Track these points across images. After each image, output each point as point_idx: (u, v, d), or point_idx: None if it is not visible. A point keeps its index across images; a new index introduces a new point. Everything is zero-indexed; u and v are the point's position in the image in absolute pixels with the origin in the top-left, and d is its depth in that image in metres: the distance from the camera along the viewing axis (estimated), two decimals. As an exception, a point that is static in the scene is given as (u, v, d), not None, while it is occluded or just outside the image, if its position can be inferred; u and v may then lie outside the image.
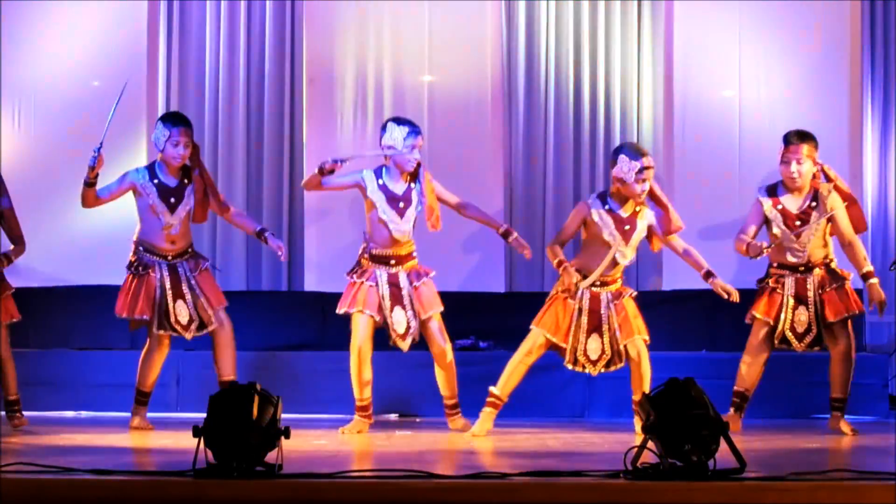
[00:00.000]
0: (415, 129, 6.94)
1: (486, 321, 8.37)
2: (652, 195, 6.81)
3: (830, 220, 6.83)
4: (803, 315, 6.85)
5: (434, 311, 6.96)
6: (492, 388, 6.83)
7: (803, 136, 6.86)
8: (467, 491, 4.42)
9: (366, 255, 6.98)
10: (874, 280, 6.86)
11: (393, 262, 6.96)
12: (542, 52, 8.84)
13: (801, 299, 6.85)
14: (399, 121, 6.98)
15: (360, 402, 6.93)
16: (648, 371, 6.78)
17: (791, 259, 6.90)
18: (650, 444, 4.60)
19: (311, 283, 8.51)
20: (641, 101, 8.81)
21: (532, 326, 6.83)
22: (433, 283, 7.05)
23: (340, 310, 6.94)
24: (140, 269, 7.03)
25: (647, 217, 6.85)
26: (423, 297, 6.95)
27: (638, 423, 6.81)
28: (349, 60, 8.49)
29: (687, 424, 4.53)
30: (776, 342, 6.90)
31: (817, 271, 6.89)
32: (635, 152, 6.73)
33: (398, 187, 6.97)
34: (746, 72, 8.36)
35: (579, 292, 6.78)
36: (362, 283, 6.91)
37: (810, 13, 8.38)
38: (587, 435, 6.79)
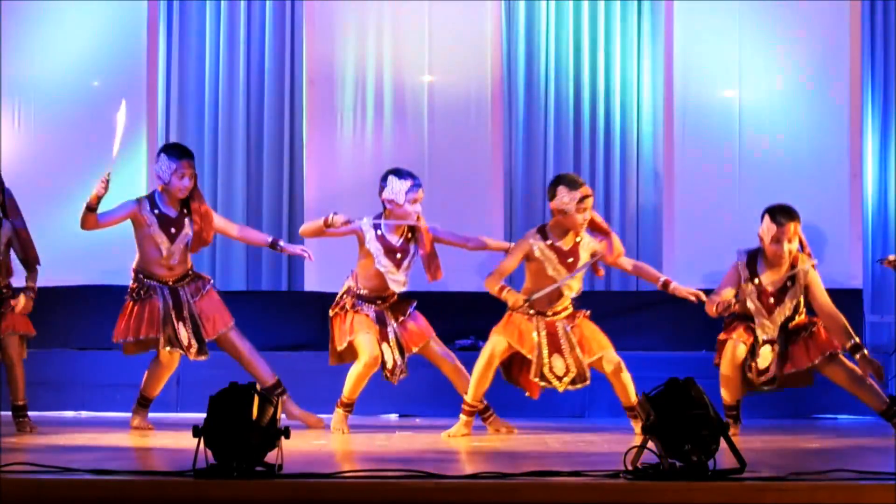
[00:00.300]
0: (416, 183, 6.87)
1: (486, 321, 8.35)
2: (593, 224, 6.75)
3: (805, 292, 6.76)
4: (769, 353, 6.77)
5: (424, 342, 6.94)
6: (465, 398, 6.80)
7: (792, 215, 6.73)
8: (467, 491, 4.41)
9: (350, 295, 6.94)
10: (864, 352, 6.72)
11: (379, 301, 6.94)
12: (542, 52, 8.85)
13: (769, 341, 6.79)
14: (400, 174, 6.87)
15: (346, 400, 6.93)
16: (629, 379, 6.74)
17: (760, 332, 6.82)
18: (650, 444, 4.59)
19: (311, 283, 8.51)
20: (641, 101, 8.81)
21: (492, 335, 6.78)
22: (418, 313, 7.00)
23: (341, 345, 6.87)
24: (142, 293, 7.02)
25: (588, 246, 6.80)
26: (410, 332, 6.94)
27: (636, 426, 6.81)
28: (349, 60, 8.50)
29: (687, 424, 4.52)
30: (747, 384, 6.81)
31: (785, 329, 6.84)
32: (574, 183, 6.67)
33: (396, 238, 6.92)
34: (746, 72, 8.36)
35: (533, 321, 6.72)
36: (348, 312, 6.87)
37: (810, 13, 8.38)
38: (587, 435, 6.79)
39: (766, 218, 6.73)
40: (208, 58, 8.85)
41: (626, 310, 8.51)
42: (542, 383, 6.73)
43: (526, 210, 8.80)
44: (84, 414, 7.99)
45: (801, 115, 8.16)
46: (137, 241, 7.09)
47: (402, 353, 6.88)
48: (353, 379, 6.86)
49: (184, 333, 7.00)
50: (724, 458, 4.56)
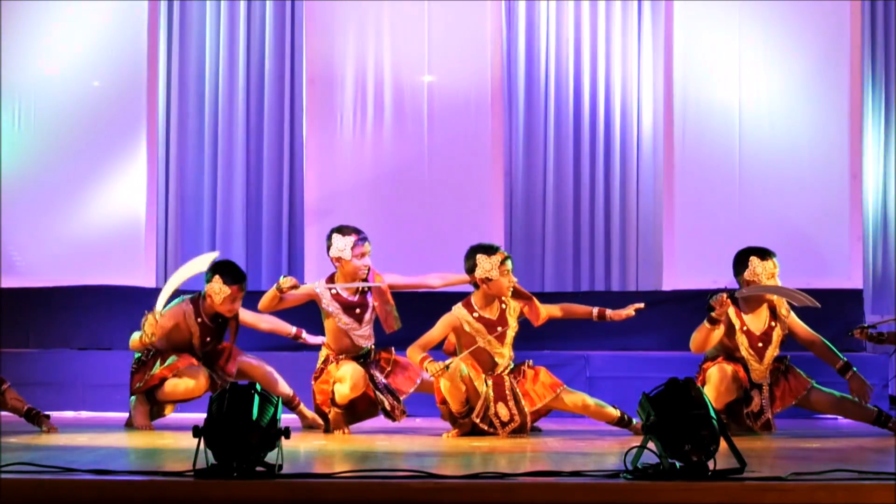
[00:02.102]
0: (361, 237, 6.82)
1: (486, 321, 8.36)
2: (515, 289, 6.71)
3: (783, 329, 6.81)
4: (756, 396, 6.84)
5: (416, 384, 6.92)
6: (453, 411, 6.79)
7: (772, 252, 6.85)
8: (467, 491, 4.41)
9: (329, 362, 6.90)
10: (853, 371, 6.75)
11: (361, 360, 6.92)
12: (542, 52, 8.85)
13: (753, 383, 6.83)
14: (343, 230, 6.83)
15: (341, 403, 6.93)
16: (600, 403, 6.71)
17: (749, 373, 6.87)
18: (650, 444, 4.59)
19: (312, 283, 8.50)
20: (641, 101, 8.82)
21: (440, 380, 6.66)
22: (399, 358, 6.95)
23: (321, 389, 6.86)
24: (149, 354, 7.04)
25: (514, 310, 6.74)
26: (398, 379, 6.92)
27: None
28: (349, 60, 8.50)
29: (687, 424, 4.52)
30: (743, 420, 6.83)
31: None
32: (489, 249, 6.62)
33: (351, 295, 6.90)
34: (746, 72, 8.36)
35: (480, 375, 6.68)
36: (335, 363, 6.87)
37: (810, 13, 8.38)
38: (587, 435, 6.79)
39: (755, 259, 6.75)
40: (208, 58, 8.85)
41: (626, 310, 8.51)
42: (485, 426, 6.63)
43: (526, 210, 8.80)
44: (84, 414, 7.98)
45: (801, 115, 8.16)
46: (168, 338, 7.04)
47: (395, 397, 6.88)
48: (344, 396, 6.82)
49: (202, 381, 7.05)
50: (724, 458, 4.56)
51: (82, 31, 8.45)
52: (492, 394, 6.64)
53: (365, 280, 6.86)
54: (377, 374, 6.90)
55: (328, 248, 6.85)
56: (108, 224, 8.16)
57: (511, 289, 6.67)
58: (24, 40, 8.39)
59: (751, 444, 6.09)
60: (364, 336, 6.91)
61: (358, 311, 6.89)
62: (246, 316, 7.21)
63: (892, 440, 6.40)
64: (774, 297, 6.77)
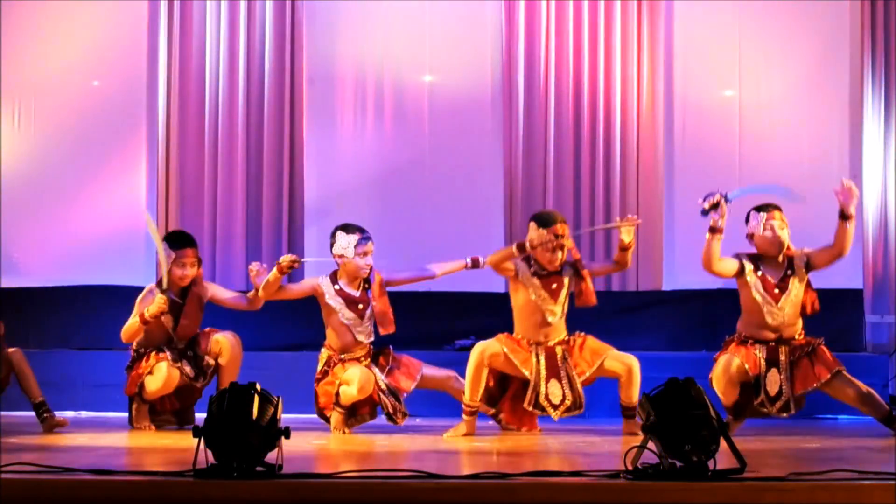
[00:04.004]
0: (365, 236, 6.92)
1: (486, 321, 8.36)
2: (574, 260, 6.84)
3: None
4: (774, 376, 6.80)
5: (416, 379, 6.95)
6: (464, 400, 6.81)
7: (775, 205, 6.85)
8: (467, 491, 4.41)
9: (331, 363, 6.93)
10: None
11: (361, 358, 6.96)
12: (542, 52, 8.85)
13: (772, 362, 6.81)
14: (348, 228, 6.93)
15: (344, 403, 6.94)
16: (638, 381, 6.73)
17: (762, 334, 6.83)
18: (650, 444, 4.59)
19: (311, 283, 8.50)
20: (641, 101, 8.81)
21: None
22: (401, 355, 7.00)
23: (324, 393, 6.90)
24: (141, 351, 7.07)
25: (567, 272, 6.85)
26: (398, 378, 6.95)
27: (626, 425, 6.80)
28: (349, 60, 8.50)
29: (687, 424, 4.52)
30: (758, 408, 6.82)
31: (788, 344, 6.84)
32: (547, 221, 6.78)
33: (354, 290, 6.97)
34: (746, 72, 8.36)
35: (533, 349, 6.75)
36: (331, 371, 6.89)
37: (810, 13, 8.39)
38: (587, 435, 6.79)
39: (752, 213, 6.83)
40: (208, 58, 8.85)
41: (626, 310, 8.52)
42: (535, 411, 6.72)
43: (526, 210, 8.80)
44: (84, 414, 7.99)
45: (801, 115, 8.15)
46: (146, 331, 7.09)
47: (397, 398, 6.90)
48: (350, 397, 6.85)
49: (187, 367, 7.05)
50: (724, 458, 4.56)
51: (82, 31, 8.46)
52: (543, 371, 6.69)
53: (367, 280, 6.89)
54: (377, 372, 6.92)
55: (331, 246, 6.90)
56: (108, 224, 8.16)
57: (556, 262, 6.76)
58: (24, 40, 8.39)
59: (751, 444, 6.09)
60: (365, 332, 6.96)
61: (360, 306, 6.94)
62: (217, 293, 7.23)
63: (892, 440, 6.40)
64: (792, 248, 6.81)
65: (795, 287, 6.82)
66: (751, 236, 6.84)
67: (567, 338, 6.83)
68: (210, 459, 4.54)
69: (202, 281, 7.21)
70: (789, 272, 6.83)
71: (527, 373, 6.71)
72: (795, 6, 8.39)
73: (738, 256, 6.87)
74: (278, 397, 4.69)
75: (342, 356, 6.94)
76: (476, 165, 8.40)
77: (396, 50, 8.52)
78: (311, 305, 8.50)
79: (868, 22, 8.68)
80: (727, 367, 6.74)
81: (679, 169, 8.38)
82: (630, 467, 4.56)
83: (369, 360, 6.97)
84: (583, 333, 6.84)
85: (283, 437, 4.60)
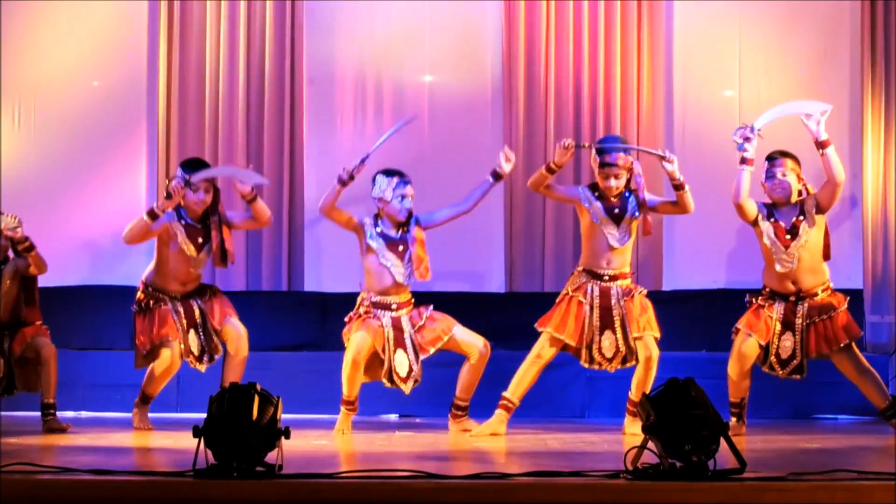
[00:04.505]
0: (403, 180, 7.00)
1: (486, 321, 8.36)
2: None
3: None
4: (788, 341, 6.82)
5: (444, 339, 6.98)
6: (504, 393, 6.86)
7: (785, 153, 6.92)
8: (467, 491, 4.42)
9: (365, 304, 7.00)
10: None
11: (395, 306, 6.99)
12: (542, 52, 8.84)
13: (788, 325, 6.83)
14: (388, 172, 7.03)
15: (346, 398, 6.96)
16: (652, 376, 6.77)
17: (784, 285, 6.85)
18: (650, 444, 4.60)
19: (311, 283, 8.51)
20: (641, 101, 8.81)
21: (538, 328, 6.86)
22: (437, 313, 7.05)
23: (346, 336, 6.96)
24: (150, 303, 7.06)
25: (631, 199, 6.98)
26: (426, 336, 6.98)
27: (628, 423, 6.82)
28: (349, 60, 8.50)
29: (687, 424, 4.52)
30: (761, 366, 6.86)
31: (809, 300, 6.85)
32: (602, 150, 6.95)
33: (395, 232, 7.04)
34: (746, 72, 8.36)
35: (588, 290, 6.81)
36: (365, 318, 6.94)
37: (810, 13, 8.38)
38: (587, 435, 6.79)
39: (764, 164, 6.91)
40: (208, 58, 8.84)
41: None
42: (593, 366, 6.86)
43: (526, 210, 8.80)
44: (84, 414, 7.99)
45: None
46: (159, 254, 7.13)
47: (417, 357, 6.92)
48: (344, 375, 6.89)
49: (194, 342, 7.06)
50: (724, 458, 4.56)
51: (82, 31, 8.45)
52: (597, 322, 6.74)
53: (407, 223, 7.01)
54: (406, 325, 6.93)
55: (372, 189, 7.00)
56: (108, 224, 8.16)
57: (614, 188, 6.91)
58: (24, 40, 8.39)
59: (751, 444, 6.10)
60: (402, 274, 6.99)
61: (400, 248, 7.01)
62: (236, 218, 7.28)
63: (892, 440, 6.40)
64: (804, 194, 6.88)
65: (807, 232, 6.84)
66: (763, 185, 6.92)
67: (630, 286, 6.87)
68: (210, 459, 4.54)
69: (222, 208, 7.22)
70: (801, 217, 6.86)
71: (576, 344, 6.82)
72: (795, 6, 8.38)
73: (757, 204, 6.93)
74: (278, 397, 4.69)
75: (375, 299, 6.95)
76: (476, 165, 8.38)
77: (396, 50, 8.52)
78: (311, 305, 8.51)
79: (868, 22, 8.67)
80: (743, 353, 6.77)
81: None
82: (630, 467, 4.56)
83: (406, 309, 6.98)
84: (643, 291, 6.92)
85: (283, 437, 4.61)
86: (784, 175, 6.87)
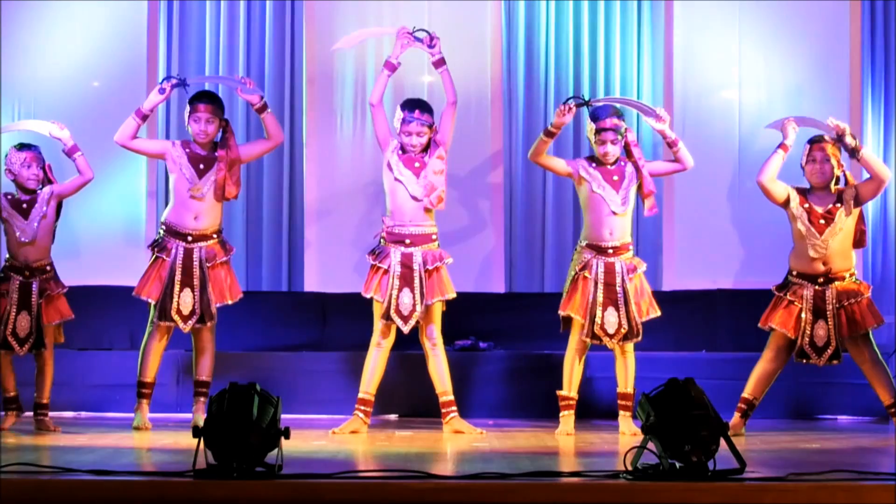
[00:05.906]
0: (411, 116, 7.05)
1: (486, 321, 8.37)
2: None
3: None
4: (822, 329, 6.84)
5: (438, 297, 6.97)
6: (558, 392, 6.91)
7: (824, 138, 6.99)
8: (467, 491, 4.42)
9: (383, 235, 7.03)
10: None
11: (408, 241, 6.98)
12: (542, 52, 8.85)
13: (818, 313, 6.82)
14: (404, 105, 7.15)
15: (362, 395, 6.96)
16: (632, 363, 6.85)
17: (812, 266, 6.87)
18: (650, 444, 4.60)
19: (311, 283, 8.50)
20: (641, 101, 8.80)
21: (561, 313, 6.89)
22: (446, 270, 7.05)
23: (366, 293, 6.99)
24: (159, 249, 7.12)
25: (629, 168, 7.02)
26: (433, 283, 6.97)
27: (622, 421, 6.82)
28: (349, 60, 8.49)
29: (687, 424, 4.53)
30: (795, 357, 6.87)
31: (837, 284, 6.86)
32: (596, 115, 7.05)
33: (413, 153, 7.09)
34: (746, 72, 8.36)
35: (594, 265, 6.82)
36: (381, 268, 6.95)
37: (810, 13, 8.38)
38: (587, 435, 6.79)
39: (805, 146, 6.97)
40: (208, 58, 8.84)
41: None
42: (594, 341, 6.86)
43: (526, 210, 8.80)
44: (84, 414, 7.99)
45: (801, 115, 8.13)
46: (170, 185, 7.28)
47: (422, 298, 6.93)
48: (367, 368, 6.93)
49: (187, 301, 7.06)
50: (724, 458, 4.56)
51: (82, 31, 8.44)
52: (601, 298, 6.73)
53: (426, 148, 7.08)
54: (418, 266, 6.93)
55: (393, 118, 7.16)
56: (108, 224, 8.16)
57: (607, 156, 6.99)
58: (24, 40, 8.38)
59: (751, 444, 6.10)
60: (418, 191, 7.00)
61: (417, 164, 7.04)
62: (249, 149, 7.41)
63: (892, 440, 6.41)
64: (842, 181, 6.96)
65: (842, 220, 6.86)
66: (802, 168, 6.96)
67: (632, 262, 6.93)
68: (210, 460, 4.54)
69: (234, 143, 7.27)
70: (838, 205, 6.88)
71: (582, 320, 6.83)
72: (795, 6, 8.38)
73: (790, 188, 6.96)
74: (278, 397, 4.69)
75: (391, 228, 6.99)
76: (476, 165, 8.39)
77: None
78: (311, 306, 8.51)
79: (868, 22, 8.68)
80: (780, 351, 6.82)
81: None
82: (630, 467, 4.57)
83: (421, 247, 6.99)
84: (644, 268, 6.97)
85: (283, 438, 4.61)
86: (825, 161, 6.90)
